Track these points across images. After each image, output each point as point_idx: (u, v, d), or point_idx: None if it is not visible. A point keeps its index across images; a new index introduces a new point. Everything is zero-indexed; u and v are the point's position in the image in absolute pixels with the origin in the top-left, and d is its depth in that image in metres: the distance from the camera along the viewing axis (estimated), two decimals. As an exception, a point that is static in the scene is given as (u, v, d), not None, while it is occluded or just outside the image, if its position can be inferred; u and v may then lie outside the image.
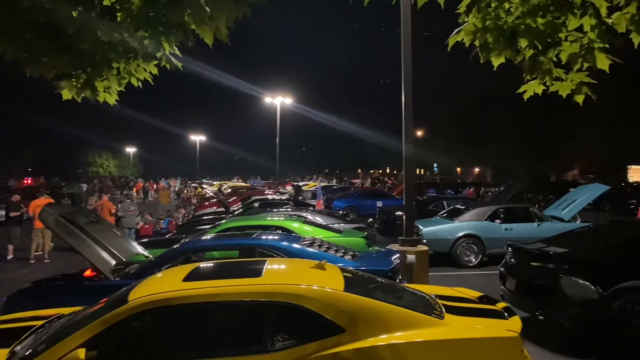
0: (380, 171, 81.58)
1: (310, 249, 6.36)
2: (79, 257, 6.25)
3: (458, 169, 72.92)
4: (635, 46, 2.79)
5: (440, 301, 3.91)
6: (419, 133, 64.54)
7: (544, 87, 3.20)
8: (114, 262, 6.40)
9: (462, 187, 33.95)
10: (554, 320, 6.10)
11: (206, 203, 20.52)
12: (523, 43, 2.92)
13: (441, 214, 13.10)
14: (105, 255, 6.41)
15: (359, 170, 70.52)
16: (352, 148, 77.83)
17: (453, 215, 12.35)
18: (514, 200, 16.26)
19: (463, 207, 12.70)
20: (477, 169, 67.27)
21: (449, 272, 10.68)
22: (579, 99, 3.16)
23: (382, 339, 3.29)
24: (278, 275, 4.01)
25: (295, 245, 6.45)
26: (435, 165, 70.41)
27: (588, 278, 5.79)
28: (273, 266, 4.16)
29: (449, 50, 3.18)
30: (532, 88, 3.23)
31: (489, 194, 27.70)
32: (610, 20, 2.72)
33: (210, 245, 6.77)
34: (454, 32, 3.15)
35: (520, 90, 3.32)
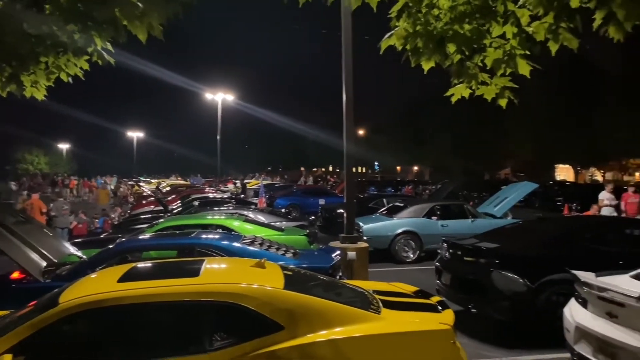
0: (324, 169, 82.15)
1: (251, 248, 6.34)
2: (6, 259, 5.93)
3: (398, 168, 74.58)
4: (553, 54, 2.99)
5: (377, 296, 4.01)
6: (361, 132, 65.49)
7: (471, 91, 3.36)
8: (44, 264, 6.12)
9: (402, 185, 34.72)
10: (485, 312, 6.37)
11: (143, 202, 19.94)
12: (451, 48, 3.05)
13: (381, 211, 13.37)
14: (34, 256, 6.12)
15: (302, 169, 70.72)
16: (295, 146, 77.92)
17: (392, 212, 12.63)
18: (450, 198, 16.83)
19: (402, 205, 13.02)
20: (416, 168, 69.05)
21: (388, 268, 10.93)
22: (503, 102, 3.34)
23: (321, 335, 3.34)
24: (216, 274, 3.98)
25: (236, 244, 6.40)
26: (376, 163, 71.69)
27: (517, 272, 6.08)
28: (212, 265, 4.12)
29: (381, 53, 3.28)
30: (459, 91, 3.38)
31: (427, 191, 28.48)
32: (530, 29, 2.90)
33: (147, 245, 6.61)
34: (386, 36, 3.25)
35: (448, 94, 3.47)
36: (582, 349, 4.37)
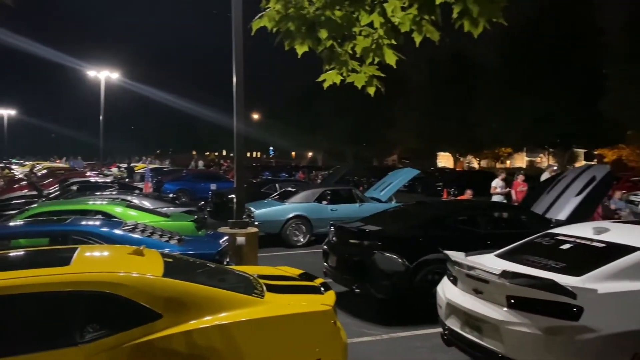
0: (217, 153, 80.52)
1: (132, 235, 6.06)
2: None
3: (293, 153, 75.20)
4: (417, 45, 3.16)
5: (262, 281, 4.02)
6: (256, 116, 65.00)
7: (342, 78, 3.45)
8: None
9: (296, 171, 35.07)
10: (368, 292, 6.66)
11: (15, 186, 18.25)
12: (323, 34, 3.10)
13: (273, 196, 13.41)
14: None
15: (194, 152, 68.77)
16: (187, 129, 75.41)
17: (284, 197, 12.73)
18: (341, 183, 17.31)
19: (294, 190, 13.16)
20: (310, 153, 70.09)
21: (279, 252, 11.03)
22: (371, 90, 3.47)
23: (202, 322, 3.29)
24: (89, 263, 3.76)
25: (116, 231, 6.09)
26: (271, 148, 71.64)
27: (397, 253, 6.42)
28: (85, 254, 3.87)
29: (252, 34, 3.25)
30: (330, 78, 3.46)
31: (320, 177, 29.05)
32: (397, 20, 3.03)
33: (15, 233, 6.09)
34: (257, 17, 3.23)
35: (319, 79, 3.54)
36: (452, 323, 4.71)
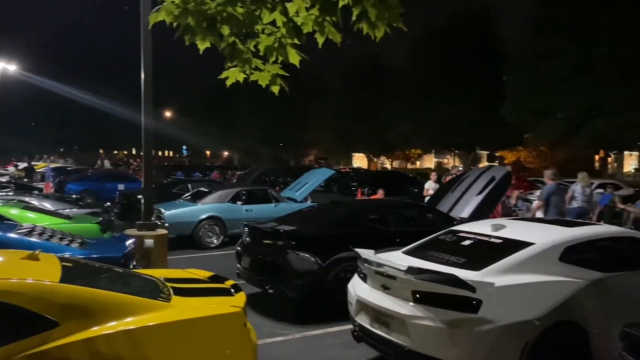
0: (126, 152, 77.03)
1: (28, 238, 5.65)
2: None
3: (208, 152, 73.60)
4: (320, 46, 3.20)
5: (169, 284, 3.89)
6: (168, 114, 62.87)
7: (245, 76, 3.42)
8: None
9: (210, 170, 34.35)
10: (281, 292, 6.65)
11: None
12: (225, 30, 3.05)
13: (185, 197, 13.05)
14: None
15: (101, 151, 65.29)
16: (93, 126, 71.33)
17: (197, 197, 12.42)
18: (256, 183, 17.19)
19: (207, 190, 12.87)
20: (226, 153, 68.98)
21: (191, 255, 10.74)
22: (275, 89, 3.47)
23: (103, 329, 3.13)
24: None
25: (10, 235, 5.66)
26: (184, 147, 69.62)
27: (310, 252, 6.47)
28: (-31, 260, 3.55)
29: (149, 28, 3.12)
30: (233, 75, 3.41)
31: (235, 176, 28.67)
32: (300, 20, 3.05)
33: None
34: (154, 10, 3.12)
35: (222, 76, 3.48)
36: (362, 319, 4.82)
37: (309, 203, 13.00)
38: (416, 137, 39.72)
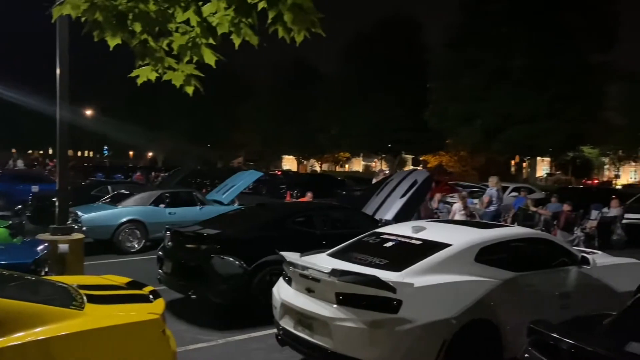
0: (42, 152, 72.60)
1: None
2: None
3: (131, 153, 70.82)
4: (236, 47, 3.17)
5: (83, 291, 3.69)
6: (89, 112, 59.89)
7: (158, 75, 3.32)
8: None
9: (133, 171, 33.10)
10: (205, 297, 6.50)
11: None
12: (137, 28, 2.95)
13: (104, 199, 12.47)
14: None
15: (13, 150, 61.13)
16: (4, 123, 66.65)
17: (117, 200, 11.90)
18: (181, 185, 16.75)
19: (128, 192, 12.37)
20: (150, 154, 66.74)
21: (110, 260, 10.27)
22: (189, 90, 3.39)
23: (9, 340, 2.94)
24: None
25: None
26: (105, 147, 66.56)
27: (235, 255, 6.36)
28: None
29: (53, 22, 2.96)
30: (145, 74, 3.31)
31: (159, 178, 27.78)
32: (215, 20, 3.00)
33: None
34: (57, 2, 2.96)
35: (132, 75, 3.37)
36: (286, 323, 4.81)
37: (235, 206, 12.82)
38: (345, 141, 40.38)
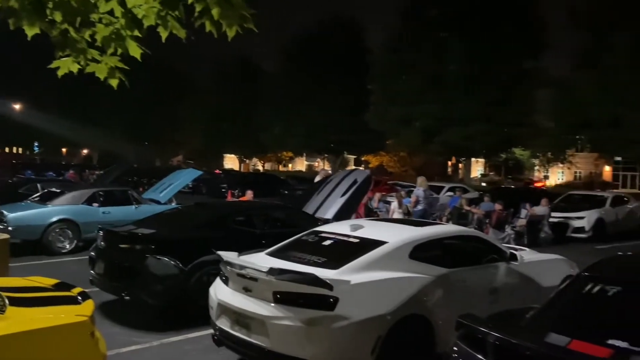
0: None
1: None
2: None
3: (64, 150, 67.72)
4: (163, 40, 3.10)
5: (5, 294, 3.50)
6: (17, 106, 56.74)
7: (80, 67, 3.20)
8: None
9: (66, 169, 31.70)
10: (139, 299, 6.32)
11: None
12: (58, 17, 2.82)
13: (33, 198, 11.87)
14: None
15: None
16: None
17: (47, 198, 11.36)
18: (117, 184, 16.17)
19: (59, 191, 11.83)
20: (85, 151, 64.10)
21: (39, 261, 9.79)
22: (114, 82, 3.29)
23: None
24: None
25: None
26: (36, 144, 63.28)
27: (171, 256, 6.21)
28: None
29: None
30: (66, 65, 3.17)
31: (94, 176, 26.73)
32: (141, 12, 2.93)
33: None
34: None
35: (52, 66, 3.23)
36: (223, 323, 4.75)
37: (173, 205, 12.53)
38: (288, 140, 40.34)
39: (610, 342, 2.87)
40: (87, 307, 3.55)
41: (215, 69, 48.28)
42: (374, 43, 38.95)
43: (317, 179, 14.97)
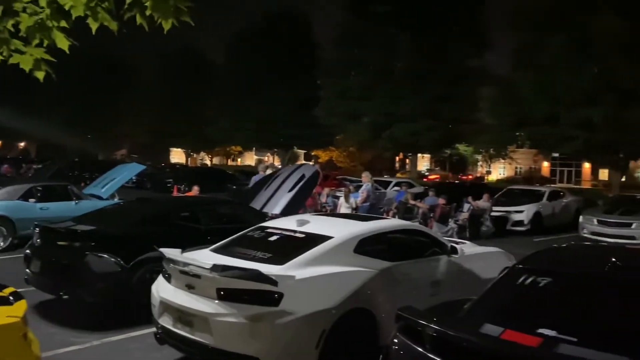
0: None
1: None
2: None
3: (-1, 143, 64.30)
4: (93, 32, 3.01)
5: None
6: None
7: (3, 58, 3.06)
8: None
9: (1, 163, 30.20)
10: (79, 298, 6.12)
11: None
12: None
13: (-37, 194, 11.22)
14: None
15: None
16: None
17: (-22, 195, 10.77)
18: (56, 178, 15.53)
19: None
20: (22, 144, 61.08)
21: (-31, 260, 9.29)
22: (40, 75, 3.15)
23: None
24: None
25: None
26: (-34, 137, 59.73)
27: (112, 253, 6.04)
28: None
29: None
30: None
31: (32, 170, 25.58)
32: (69, 2, 2.82)
33: None
34: None
35: None
36: (165, 321, 4.67)
37: (116, 200, 12.16)
38: (236, 134, 39.85)
39: (540, 331, 3.00)
40: (19, 308, 3.40)
41: (161, 61, 47.04)
42: (324, 38, 39.08)
43: (264, 173, 14.90)
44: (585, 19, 21.69)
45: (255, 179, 12.36)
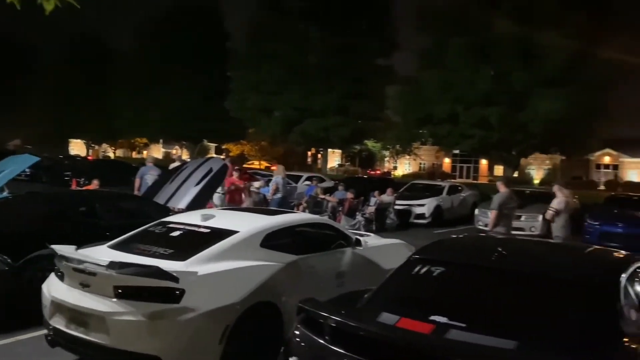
0: None
1: None
2: None
3: None
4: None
5: None
6: None
7: None
8: None
9: None
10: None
11: None
12: None
13: None
14: None
15: None
16: None
17: None
18: None
19: None
20: None
21: None
22: None
23: None
24: None
25: None
26: None
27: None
28: None
29: None
30: None
31: None
32: None
33: None
34: None
35: None
36: (57, 322, 4.40)
37: (5, 194, 11.21)
38: (143, 126, 38.23)
39: (432, 318, 3.17)
40: None
41: (61, 46, 44.03)
42: (236, 29, 38.42)
43: (172, 166, 14.45)
44: (483, 23, 23.13)
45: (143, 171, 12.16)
